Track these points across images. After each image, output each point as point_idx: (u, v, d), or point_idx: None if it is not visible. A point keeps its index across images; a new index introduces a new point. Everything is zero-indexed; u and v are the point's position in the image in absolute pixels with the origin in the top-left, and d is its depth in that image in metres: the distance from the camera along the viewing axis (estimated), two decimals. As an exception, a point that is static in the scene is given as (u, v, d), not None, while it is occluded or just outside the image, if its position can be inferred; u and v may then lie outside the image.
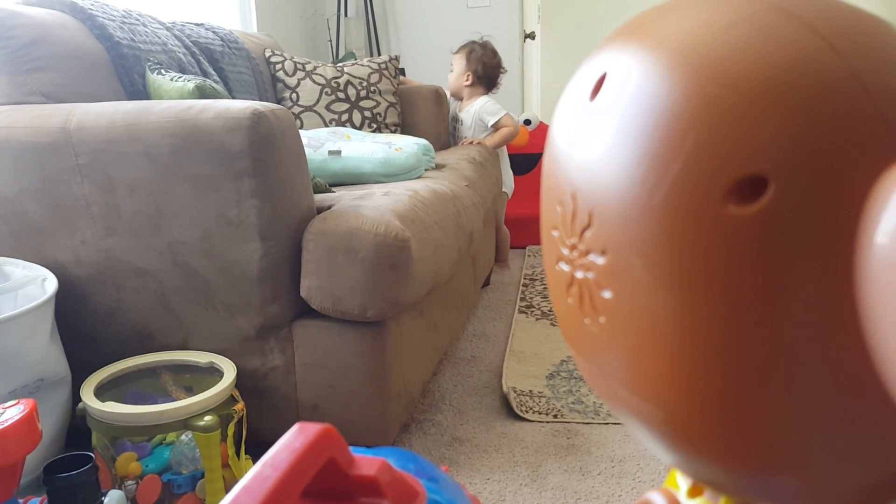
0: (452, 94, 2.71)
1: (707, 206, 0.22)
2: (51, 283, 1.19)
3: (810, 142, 0.21)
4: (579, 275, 0.27)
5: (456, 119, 2.71)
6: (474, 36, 3.21)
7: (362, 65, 2.48)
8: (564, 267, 0.28)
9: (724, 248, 0.21)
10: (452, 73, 2.67)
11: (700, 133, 0.22)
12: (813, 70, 0.21)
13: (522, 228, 2.88)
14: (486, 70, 2.64)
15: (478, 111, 2.61)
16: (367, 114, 2.41)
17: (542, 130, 3.08)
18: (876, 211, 0.20)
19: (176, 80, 1.47)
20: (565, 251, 0.28)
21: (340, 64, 2.50)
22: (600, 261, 0.25)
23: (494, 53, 2.66)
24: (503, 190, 2.71)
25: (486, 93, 2.66)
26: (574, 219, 0.27)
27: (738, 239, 0.21)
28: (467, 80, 2.64)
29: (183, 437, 1.11)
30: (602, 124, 0.25)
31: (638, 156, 0.23)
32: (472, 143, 2.61)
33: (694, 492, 0.30)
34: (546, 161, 0.30)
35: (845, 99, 0.21)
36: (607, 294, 0.25)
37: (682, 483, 0.31)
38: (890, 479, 0.23)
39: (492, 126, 2.60)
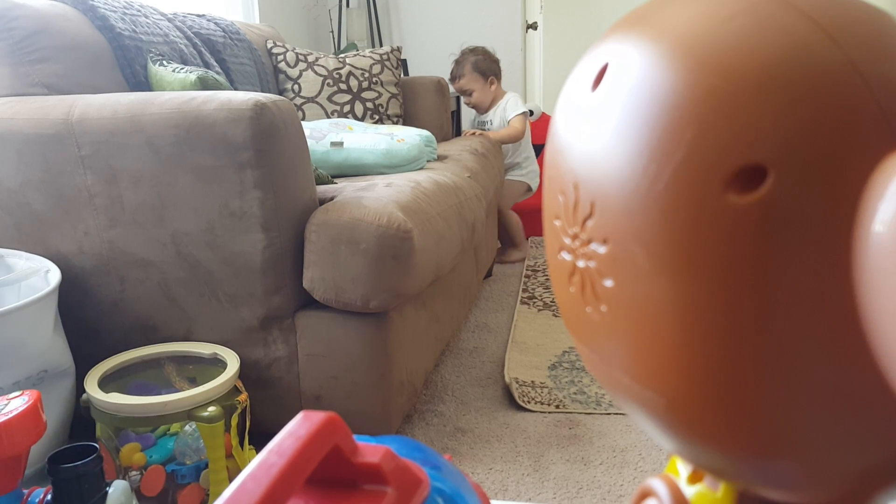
0: (482, 109, 2.71)
1: (708, 196, 0.22)
2: (54, 275, 1.20)
3: (808, 131, 0.21)
4: (581, 264, 0.27)
5: (483, 124, 2.74)
6: (477, 26, 3.22)
7: (364, 56, 2.48)
8: (566, 256, 0.28)
9: (725, 237, 0.22)
10: (476, 94, 2.66)
11: (700, 123, 0.22)
12: (811, 60, 0.21)
13: (525, 219, 2.88)
14: (497, 65, 2.69)
15: (504, 108, 2.65)
16: (369, 105, 2.41)
17: (544, 121, 3.08)
18: (873, 199, 0.20)
19: (178, 72, 1.47)
20: (567, 240, 0.28)
21: (342, 55, 2.50)
22: (602, 250, 0.26)
23: (483, 48, 2.70)
24: (523, 181, 2.72)
25: (498, 84, 2.69)
26: (576, 208, 0.27)
27: (738, 227, 0.21)
28: (492, 84, 2.66)
29: (187, 427, 1.11)
30: (603, 115, 0.25)
31: (639, 146, 0.24)
32: (474, 133, 2.62)
33: (694, 478, 0.31)
34: (548, 151, 0.30)
35: (843, 89, 0.21)
36: (609, 283, 0.26)
37: (682, 470, 0.32)
38: (888, 462, 0.23)
39: (508, 121, 2.63)
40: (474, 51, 2.66)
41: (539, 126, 3.04)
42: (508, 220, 2.72)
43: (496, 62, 2.69)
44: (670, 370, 0.24)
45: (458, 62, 2.67)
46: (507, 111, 2.64)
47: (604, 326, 0.27)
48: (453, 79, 2.69)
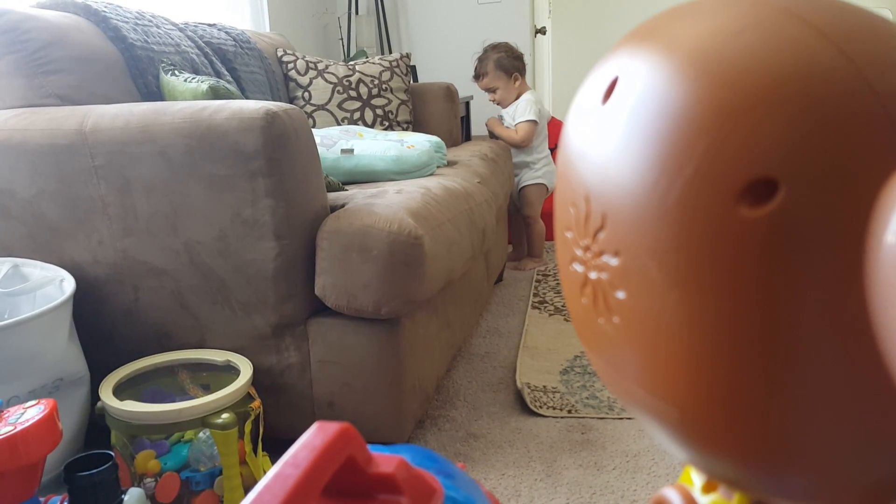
0: (505, 105, 2.69)
1: (719, 209, 0.22)
2: (69, 284, 1.21)
3: (819, 144, 0.21)
4: (593, 275, 0.27)
5: (502, 117, 2.73)
6: (485, 31, 3.22)
7: (374, 63, 2.49)
8: (578, 268, 0.28)
9: (736, 250, 0.22)
10: (500, 92, 2.64)
11: (711, 137, 0.22)
12: (821, 73, 0.22)
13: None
14: (520, 61, 2.67)
15: (515, 110, 2.64)
16: (379, 112, 2.42)
17: (553, 126, 3.08)
18: (885, 211, 0.20)
19: (190, 81, 1.48)
20: (579, 252, 0.28)
21: (352, 62, 2.51)
22: (614, 262, 0.26)
23: (506, 44, 2.67)
24: (541, 182, 2.69)
25: (522, 80, 2.68)
26: (587, 220, 0.27)
27: (750, 241, 0.22)
28: (515, 81, 2.64)
29: (201, 434, 1.12)
30: (614, 127, 0.26)
31: (650, 159, 0.24)
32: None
33: (708, 488, 0.31)
34: (559, 163, 0.30)
35: (853, 102, 0.21)
36: (621, 294, 0.26)
37: (696, 479, 0.32)
38: (900, 475, 0.23)
39: (515, 125, 2.63)
40: (497, 48, 2.63)
41: (549, 131, 3.04)
42: (534, 228, 2.70)
43: (519, 58, 2.66)
44: (683, 381, 0.24)
45: (481, 60, 2.65)
46: (517, 114, 2.63)
47: (616, 338, 0.27)
48: (477, 77, 2.66)
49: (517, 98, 2.65)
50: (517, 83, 2.64)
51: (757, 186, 0.21)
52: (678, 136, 0.23)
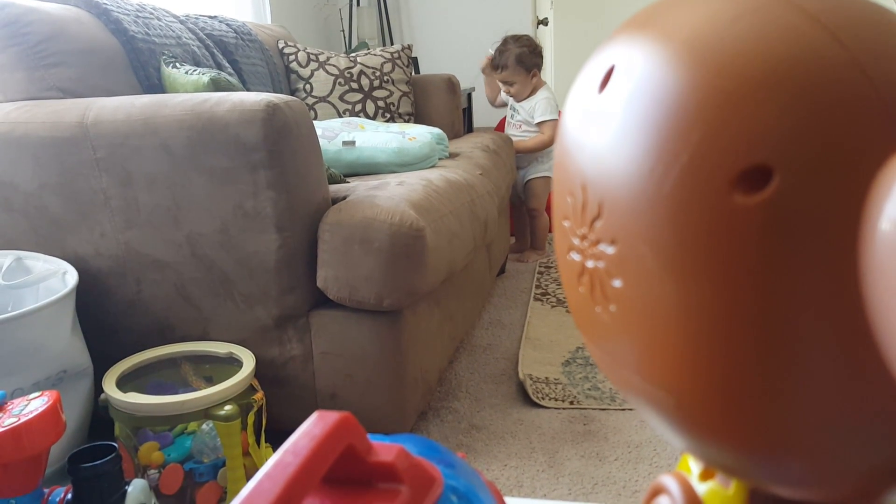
0: (518, 99, 2.66)
1: (714, 196, 0.22)
2: (71, 277, 1.21)
3: (812, 132, 0.21)
4: (590, 264, 0.27)
5: (513, 109, 2.70)
6: (487, 22, 3.21)
7: (375, 54, 2.49)
8: (575, 256, 0.28)
9: (731, 238, 0.22)
10: (517, 86, 2.61)
11: (706, 124, 0.22)
12: (816, 61, 0.22)
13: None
14: (540, 56, 2.64)
15: (533, 106, 2.62)
16: (381, 103, 2.41)
17: (555, 117, 3.08)
18: (880, 198, 0.20)
19: (191, 74, 1.48)
20: (576, 241, 0.28)
21: (353, 54, 2.50)
22: (610, 250, 0.26)
23: (527, 37, 2.64)
24: (548, 175, 2.68)
25: (539, 76, 2.65)
26: (584, 209, 0.27)
27: (745, 228, 0.22)
28: (533, 77, 2.62)
29: (204, 426, 1.12)
30: (610, 116, 0.26)
31: (646, 147, 0.24)
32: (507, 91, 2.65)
33: (705, 475, 0.31)
34: (557, 153, 0.30)
35: (848, 89, 0.21)
36: (617, 283, 0.26)
37: (694, 467, 0.32)
38: (894, 461, 0.23)
39: (536, 124, 2.61)
40: (518, 41, 2.59)
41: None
42: (538, 221, 2.70)
43: (540, 53, 2.64)
44: (678, 369, 0.24)
45: (501, 52, 2.61)
46: (536, 113, 2.60)
47: (613, 326, 0.27)
48: (495, 68, 2.63)
49: (532, 92, 2.64)
50: (534, 79, 2.63)
51: (752, 174, 0.21)
52: (674, 124, 0.23)
